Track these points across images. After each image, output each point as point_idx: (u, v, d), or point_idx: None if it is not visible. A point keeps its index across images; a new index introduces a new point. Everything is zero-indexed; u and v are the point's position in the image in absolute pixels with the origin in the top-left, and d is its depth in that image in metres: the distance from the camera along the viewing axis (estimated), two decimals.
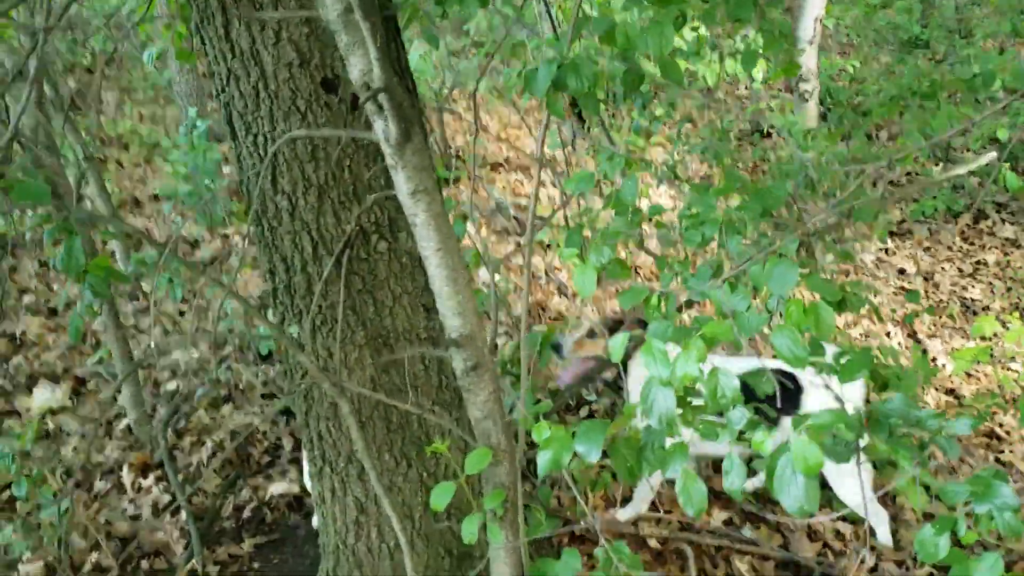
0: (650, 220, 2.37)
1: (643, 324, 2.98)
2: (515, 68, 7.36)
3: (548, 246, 6.84)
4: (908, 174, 8.05)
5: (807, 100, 6.49)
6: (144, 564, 3.56)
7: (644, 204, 6.70)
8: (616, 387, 3.81)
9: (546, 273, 6.55)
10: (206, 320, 5.54)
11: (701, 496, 1.47)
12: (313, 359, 2.43)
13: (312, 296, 2.48)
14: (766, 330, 1.72)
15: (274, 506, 3.91)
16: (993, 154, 2.33)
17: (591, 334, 3.54)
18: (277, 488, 3.96)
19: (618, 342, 1.66)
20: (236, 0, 2.16)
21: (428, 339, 2.69)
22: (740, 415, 1.42)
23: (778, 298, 1.70)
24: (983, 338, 5.09)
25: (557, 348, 3.40)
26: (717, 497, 3.80)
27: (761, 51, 2.78)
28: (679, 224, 2.11)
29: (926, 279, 6.53)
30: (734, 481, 1.43)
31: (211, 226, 6.60)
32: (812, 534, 3.74)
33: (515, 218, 7.36)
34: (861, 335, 5.52)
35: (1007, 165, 6.05)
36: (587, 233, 2.27)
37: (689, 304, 2.43)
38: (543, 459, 1.66)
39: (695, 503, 1.46)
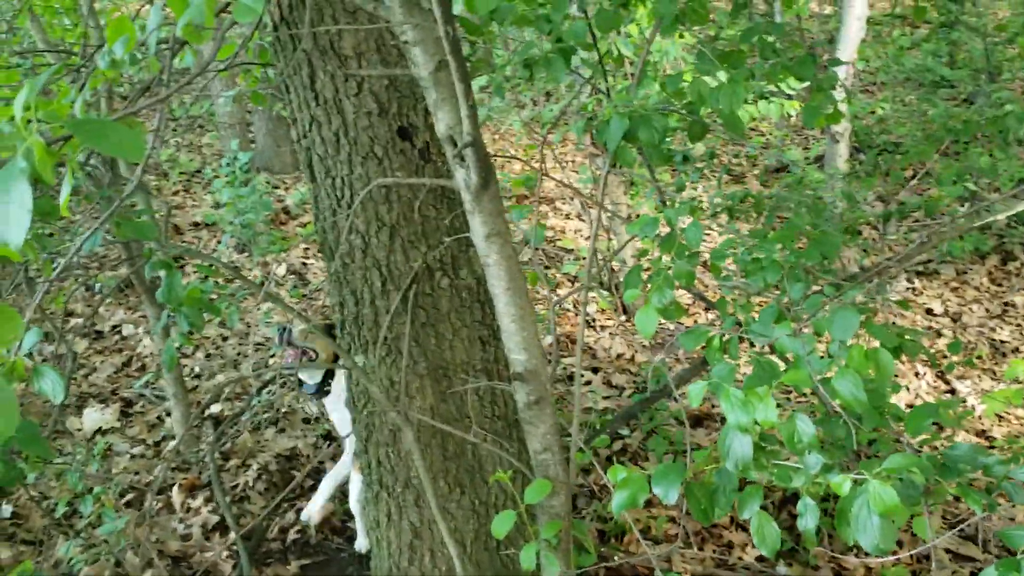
0: (705, 264, 2.48)
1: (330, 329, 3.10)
2: (550, 105, 7.52)
3: (575, 279, 6.96)
4: (938, 215, 8.13)
5: (838, 141, 6.60)
6: None
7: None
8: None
9: (574, 305, 6.66)
10: (247, 345, 5.68)
11: (775, 537, 1.56)
12: (378, 388, 2.55)
13: (379, 328, 2.60)
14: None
15: (318, 528, 4.01)
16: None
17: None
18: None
19: (697, 391, 1.75)
20: (323, 54, 2.30)
21: (483, 371, 2.81)
22: (816, 460, 1.52)
23: (839, 344, 1.80)
24: (1016, 381, 5.15)
25: (285, 331, 3.50)
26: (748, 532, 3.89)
27: (807, 100, 2.90)
28: (738, 268, 2.21)
29: (954, 320, 6.59)
30: (808, 522, 1.53)
31: (249, 254, 6.77)
32: (841, 572, 3.81)
33: (542, 250, 7.50)
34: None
35: None
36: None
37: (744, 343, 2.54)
38: (619, 499, 1.76)
39: (769, 544, 1.56)
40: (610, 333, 6.27)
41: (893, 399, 4.82)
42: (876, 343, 1.81)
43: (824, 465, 1.50)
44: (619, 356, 5.93)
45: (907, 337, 1.87)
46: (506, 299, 2.16)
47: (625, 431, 4.78)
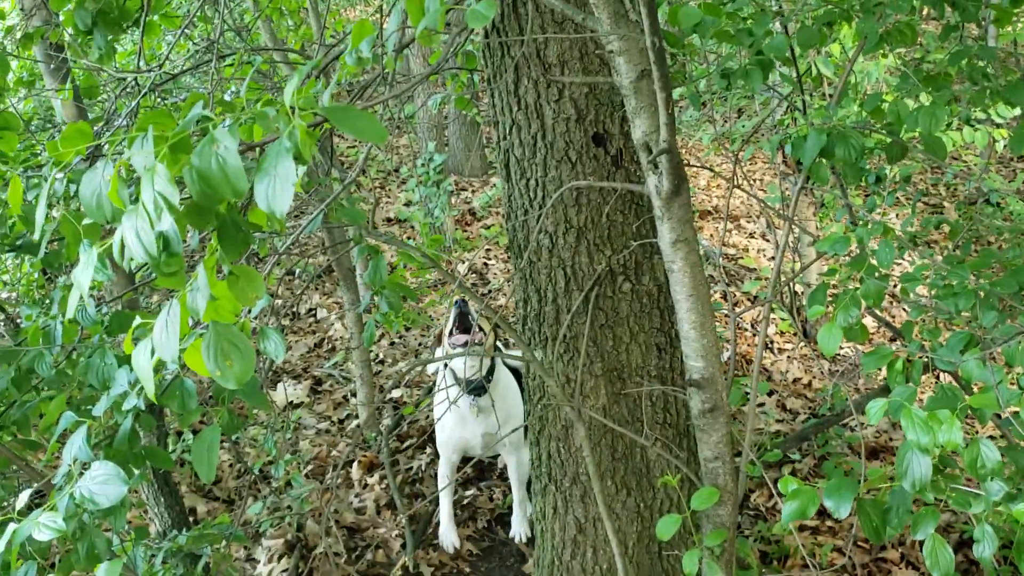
0: (895, 287, 2.43)
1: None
2: (741, 122, 7.44)
3: (755, 299, 6.84)
4: None
5: None
6: (368, 555, 3.89)
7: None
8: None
9: (752, 325, 6.56)
10: (428, 336, 5.95)
11: (948, 562, 1.54)
12: (555, 384, 2.65)
13: (559, 326, 2.71)
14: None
15: (486, 518, 4.16)
16: None
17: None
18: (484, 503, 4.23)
19: (877, 408, 1.74)
20: (528, 60, 2.43)
21: (658, 377, 2.85)
22: (998, 487, 1.48)
23: None
24: None
25: (463, 303, 3.57)
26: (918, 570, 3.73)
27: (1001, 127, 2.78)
28: (928, 293, 2.17)
29: None
30: (985, 550, 1.50)
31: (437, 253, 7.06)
32: None
33: (723, 267, 7.42)
34: None
35: None
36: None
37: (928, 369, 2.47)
38: (788, 509, 1.78)
39: (943, 567, 1.54)
40: (788, 357, 6.13)
41: None
42: None
43: (1007, 494, 1.47)
44: (796, 380, 5.80)
45: None
46: (688, 305, 2.20)
47: (796, 456, 4.68)
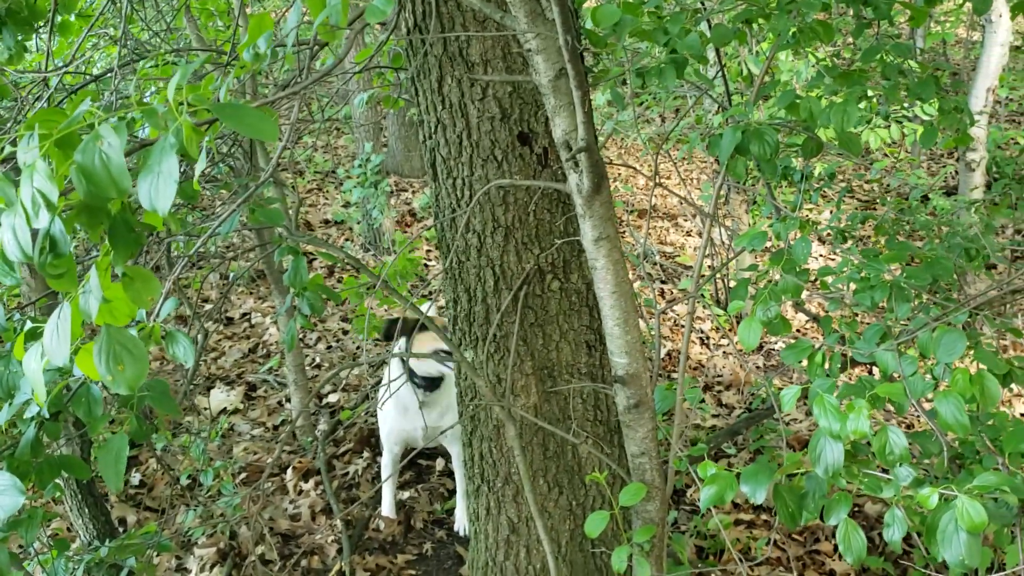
0: (814, 281, 2.48)
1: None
2: (678, 122, 7.51)
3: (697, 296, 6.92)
4: None
5: (973, 170, 6.35)
6: (303, 562, 3.84)
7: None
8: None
9: (691, 321, 6.63)
10: (367, 339, 5.90)
11: (861, 545, 1.56)
12: (485, 384, 2.64)
13: (489, 326, 2.70)
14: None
15: (424, 520, 4.14)
16: None
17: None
18: (424, 504, 4.20)
19: (790, 396, 1.77)
20: (451, 59, 2.42)
21: (588, 375, 2.86)
22: (907, 472, 1.51)
23: (944, 366, 1.78)
24: None
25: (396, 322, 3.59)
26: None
27: (935, 123, 2.85)
28: (845, 286, 2.21)
29: None
30: (895, 533, 1.52)
31: (374, 252, 7.02)
32: None
33: (660, 265, 7.49)
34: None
35: None
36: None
37: (853, 364, 2.51)
38: (707, 494, 1.79)
39: (855, 551, 1.56)
40: (724, 352, 6.21)
41: None
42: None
43: (915, 479, 1.49)
44: (731, 376, 5.87)
45: (1017, 365, 1.83)
46: (611, 302, 2.21)
47: (732, 450, 4.74)
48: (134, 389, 1.21)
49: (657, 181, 2.31)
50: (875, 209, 8.36)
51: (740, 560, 3.60)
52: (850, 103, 1.90)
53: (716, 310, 6.20)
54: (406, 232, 7.61)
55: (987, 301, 2.60)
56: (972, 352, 1.91)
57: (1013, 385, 1.86)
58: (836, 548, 4.03)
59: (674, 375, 5.87)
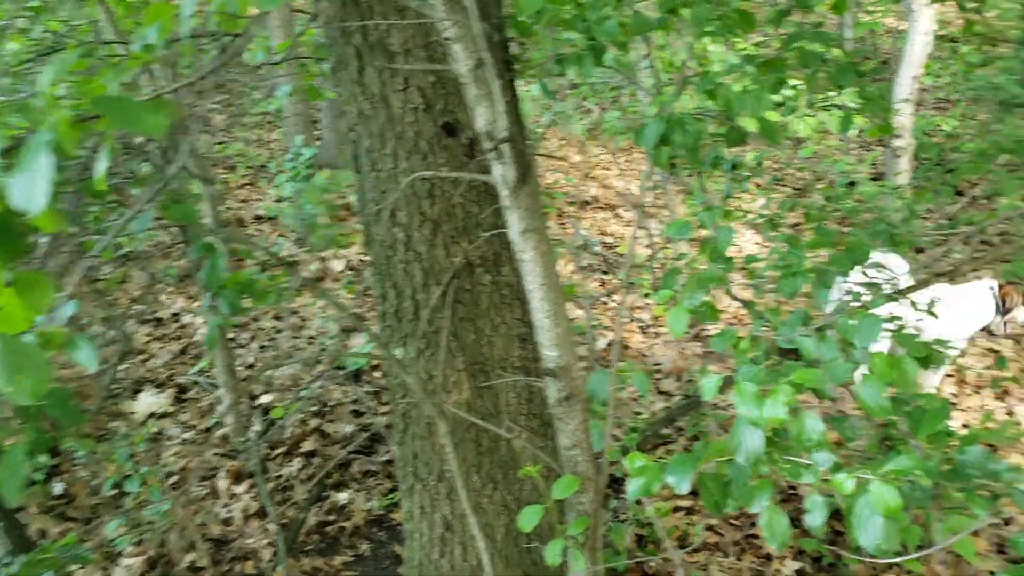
0: (742, 269, 2.48)
1: None
2: (612, 112, 7.55)
3: (631, 285, 6.95)
4: (1003, 234, 7.92)
5: (899, 156, 6.48)
6: (237, 567, 3.76)
7: (735, 251, 6.79)
8: None
9: (631, 311, 6.65)
10: (301, 338, 5.80)
11: (784, 530, 1.56)
12: (415, 381, 2.60)
13: (418, 321, 2.65)
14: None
15: (362, 521, 4.08)
16: None
17: None
18: (362, 505, 4.15)
19: (711, 385, 1.77)
20: (372, 49, 2.36)
21: (521, 368, 2.84)
22: (825, 458, 1.52)
23: (863, 350, 1.79)
24: None
25: None
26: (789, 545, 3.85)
27: (858, 112, 2.88)
28: (770, 273, 2.21)
29: (1016, 342, 6.41)
30: (815, 519, 1.53)
31: (309, 249, 6.90)
32: None
33: (600, 255, 7.51)
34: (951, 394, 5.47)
35: None
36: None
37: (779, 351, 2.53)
38: (633, 486, 1.78)
39: (778, 537, 1.56)
40: (664, 340, 6.24)
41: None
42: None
43: (835, 464, 1.50)
44: (671, 363, 5.91)
45: (935, 348, 1.85)
46: (540, 295, 2.19)
47: (674, 436, 4.76)
48: (37, 399, 1.15)
49: (587, 173, 2.29)
50: (806, 196, 8.49)
51: (676, 548, 3.63)
52: (763, 91, 1.90)
53: (653, 299, 6.24)
54: (342, 226, 7.50)
55: (912, 285, 2.63)
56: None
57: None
58: None
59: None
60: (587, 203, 8.35)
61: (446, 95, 2.46)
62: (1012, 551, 3.72)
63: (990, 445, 4.74)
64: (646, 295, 6.54)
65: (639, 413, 5.04)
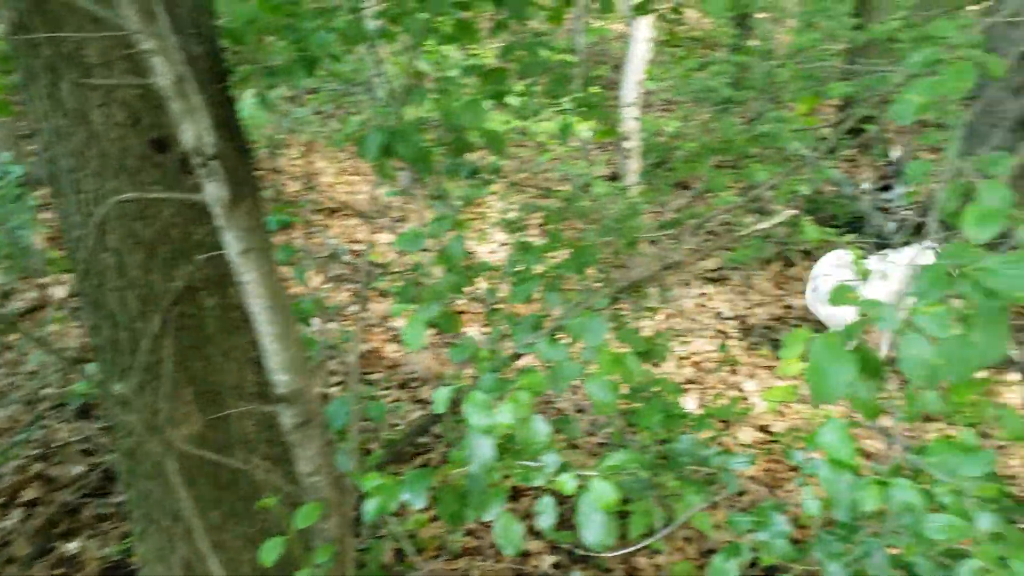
0: (478, 276, 2.50)
1: None
2: (354, 118, 7.46)
3: (383, 294, 6.90)
4: (726, 224, 8.63)
5: (629, 157, 6.89)
6: None
7: (484, 254, 6.92)
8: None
9: (383, 320, 6.59)
10: (17, 375, 5.25)
11: (516, 536, 1.58)
12: (139, 417, 2.40)
13: (138, 353, 2.45)
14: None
15: (93, 572, 3.75)
16: (796, 209, 2.60)
17: None
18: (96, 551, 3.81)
19: (442, 395, 1.77)
20: (66, 61, 2.15)
21: (258, 394, 2.70)
22: (554, 459, 1.55)
23: (591, 349, 1.85)
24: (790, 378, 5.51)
25: None
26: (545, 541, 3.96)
27: (582, 118, 2.99)
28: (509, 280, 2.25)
29: (741, 321, 7.00)
30: (545, 520, 1.56)
31: (25, 276, 6.29)
32: (633, 572, 3.94)
33: (351, 264, 7.39)
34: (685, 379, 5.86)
35: (810, 217, 6.63)
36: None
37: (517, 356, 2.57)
38: (369, 507, 1.74)
39: (512, 542, 1.58)
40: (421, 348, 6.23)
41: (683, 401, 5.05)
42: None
43: (562, 464, 1.53)
44: (425, 371, 5.91)
45: (657, 342, 1.95)
46: (266, 317, 2.09)
47: (432, 444, 4.76)
48: None
49: (333, 181, 2.21)
50: (549, 198, 8.84)
51: (433, 558, 3.61)
52: (478, 101, 1.92)
53: (400, 308, 6.21)
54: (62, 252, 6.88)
55: (643, 279, 2.77)
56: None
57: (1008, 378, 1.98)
58: (531, 528, 4.18)
59: (371, 375, 5.81)
60: (335, 210, 8.21)
61: (155, 109, 2.28)
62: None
63: (723, 421, 5.15)
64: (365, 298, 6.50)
65: (396, 425, 5.00)
